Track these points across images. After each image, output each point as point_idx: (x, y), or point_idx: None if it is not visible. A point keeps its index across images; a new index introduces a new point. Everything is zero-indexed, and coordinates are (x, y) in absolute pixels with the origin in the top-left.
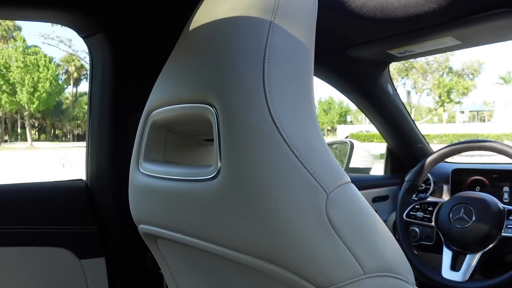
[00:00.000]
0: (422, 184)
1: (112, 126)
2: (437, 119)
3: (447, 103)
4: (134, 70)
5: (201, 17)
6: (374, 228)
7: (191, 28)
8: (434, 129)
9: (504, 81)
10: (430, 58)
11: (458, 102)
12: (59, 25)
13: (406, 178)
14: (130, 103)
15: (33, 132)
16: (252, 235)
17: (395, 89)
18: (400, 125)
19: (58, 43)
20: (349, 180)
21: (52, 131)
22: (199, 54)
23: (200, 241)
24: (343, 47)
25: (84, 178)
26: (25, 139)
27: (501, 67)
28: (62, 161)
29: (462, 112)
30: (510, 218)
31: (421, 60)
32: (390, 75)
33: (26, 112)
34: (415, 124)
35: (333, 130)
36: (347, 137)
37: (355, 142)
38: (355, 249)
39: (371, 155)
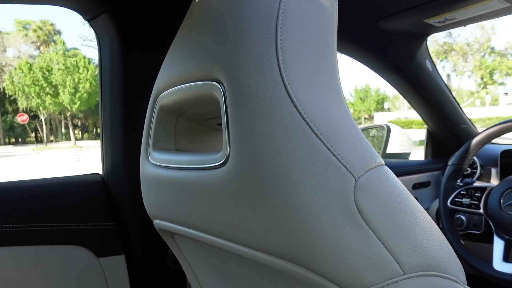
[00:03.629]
0: (468, 168)
1: (124, 115)
2: (480, 102)
3: (490, 84)
4: (143, 52)
5: None
6: (414, 218)
7: (198, 0)
8: (476, 113)
9: None
10: (471, 38)
11: (502, 84)
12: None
13: (450, 162)
14: (141, 89)
15: (76, 131)
16: (268, 230)
17: (435, 66)
18: (441, 104)
19: (96, 44)
20: (383, 162)
21: (95, 130)
22: (206, 27)
23: (215, 238)
24: (374, 19)
25: (100, 172)
26: (69, 139)
27: None
28: (77, 155)
29: (506, 94)
30: None
31: (461, 41)
32: (428, 50)
33: (69, 113)
34: (457, 103)
35: (370, 118)
36: None
37: (392, 125)
38: (391, 244)
39: (409, 139)
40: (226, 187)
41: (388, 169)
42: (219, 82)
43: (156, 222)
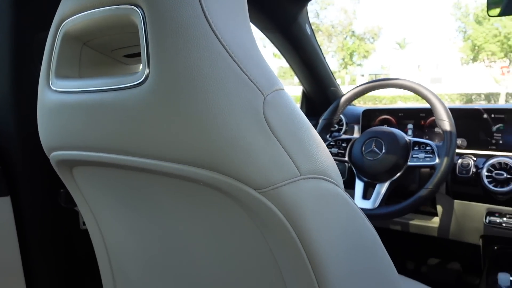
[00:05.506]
0: (335, 125)
1: (13, 49)
2: (340, 82)
3: (350, 65)
4: None
5: None
6: (308, 133)
7: None
8: None
9: (400, 46)
10: (335, 21)
11: (360, 65)
12: None
13: (322, 118)
14: (35, 19)
15: None
16: (187, 140)
17: (312, 31)
18: (316, 67)
19: None
20: (283, 88)
21: None
22: None
23: (127, 156)
24: None
25: None
26: None
27: (398, 33)
28: None
29: (362, 75)
30: (415, 149)
31: (327, 23)
32: (308, 15)
33: None
34: (328, 66)
35: None
36: None
37: None
38: (291, 151)
39: None
40: (145, 103)
41: (288, 93)
42: (137, 6)
43: (55, 154)
